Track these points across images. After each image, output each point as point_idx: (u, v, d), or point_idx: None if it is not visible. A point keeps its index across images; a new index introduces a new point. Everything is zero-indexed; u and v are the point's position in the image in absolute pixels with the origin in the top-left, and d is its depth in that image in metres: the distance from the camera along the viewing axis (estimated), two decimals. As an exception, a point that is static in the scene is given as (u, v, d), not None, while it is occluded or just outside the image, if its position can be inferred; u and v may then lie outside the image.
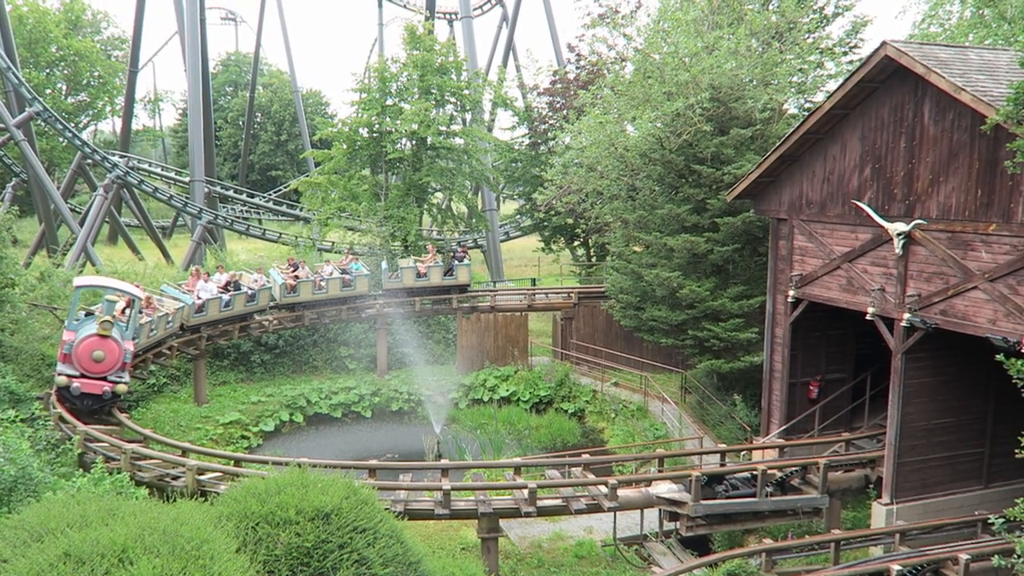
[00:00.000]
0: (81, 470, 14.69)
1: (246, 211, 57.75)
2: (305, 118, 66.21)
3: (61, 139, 50.30)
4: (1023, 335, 12.11)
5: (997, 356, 10.69)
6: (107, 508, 7.98)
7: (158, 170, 61.95)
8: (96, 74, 62.51)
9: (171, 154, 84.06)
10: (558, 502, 15.24)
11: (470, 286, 30.47)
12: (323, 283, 27.56)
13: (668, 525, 16.67)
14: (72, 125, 50.39)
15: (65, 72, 61.21)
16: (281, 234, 45.31)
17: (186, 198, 45.09)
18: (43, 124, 45.08)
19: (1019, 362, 10.31)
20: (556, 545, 17.13)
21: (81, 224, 42.32)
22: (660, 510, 16.18)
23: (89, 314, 18.93)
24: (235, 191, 60.49)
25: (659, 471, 16.55)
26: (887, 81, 14.85)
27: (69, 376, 17.63)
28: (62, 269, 31.16)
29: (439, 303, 29.90)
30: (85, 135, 65.20)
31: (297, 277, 27.35)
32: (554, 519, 17.24)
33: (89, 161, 48.18)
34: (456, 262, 30.20)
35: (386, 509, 9.83)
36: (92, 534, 7.08)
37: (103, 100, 65.05)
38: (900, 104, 14.68)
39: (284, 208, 59.25)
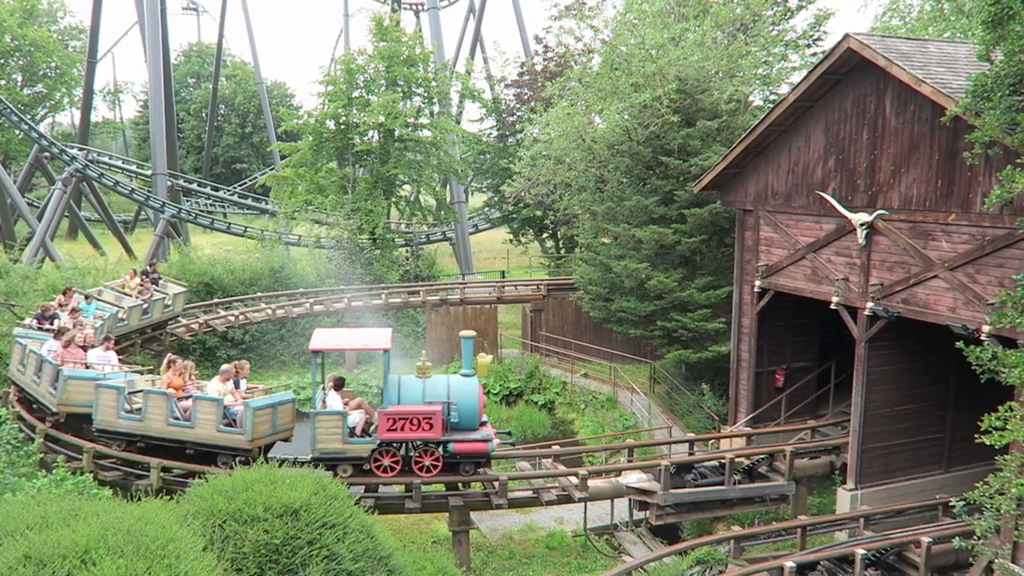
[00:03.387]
0: (43, 471, 14.36)
1: (210, 205, 56.84)
2: (270, 110, 65.32)
3: (17, 131, 48.97)
4: (982, 322, 12.38)
5: (957, 343, 10.92)
6: (69, 508, 7.80)
7: (119, 163, 60.62)
8: (53, 65, 60.91)
9: (132, 147, 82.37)
10: (529, 493, 15.28)
11: (178, 317, 25.48)
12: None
13: (638, 514, 16.81)
14: (28, 117, 49.13)
15: (20, 63, 59.54)
16: (247, 228, 44.70)
17: (148, 192, 44.26)
18: (-2, 116, 43.85)
19: (978, 349, 10.53)
20: (527, 536, 17.18)
21: (39, 219, 41.33)
22: (630, 500, 16.30)
23: None
24: (199, 184, 59.51)
25: (629, 461, 16.68)
26: (850, 73, 15.04)
27: None
28: (20, 265, 30.39)
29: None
30: (42, 127, 63.55)
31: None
32: (525, 511, 17.28)
33: (47, 154, 47.04)
34: (155, 289, 24.10)
35: (356, 504, 9.76)
36: (53, 535, 6.91)
37: (61, 91, 63.41)
38: (863, 96, 14.89)
39: (249, 202, 58.45)
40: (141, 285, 23.64)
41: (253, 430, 13.68)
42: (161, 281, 24.96)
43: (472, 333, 14.71)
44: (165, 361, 15.12)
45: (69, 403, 15.06)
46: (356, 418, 14.09)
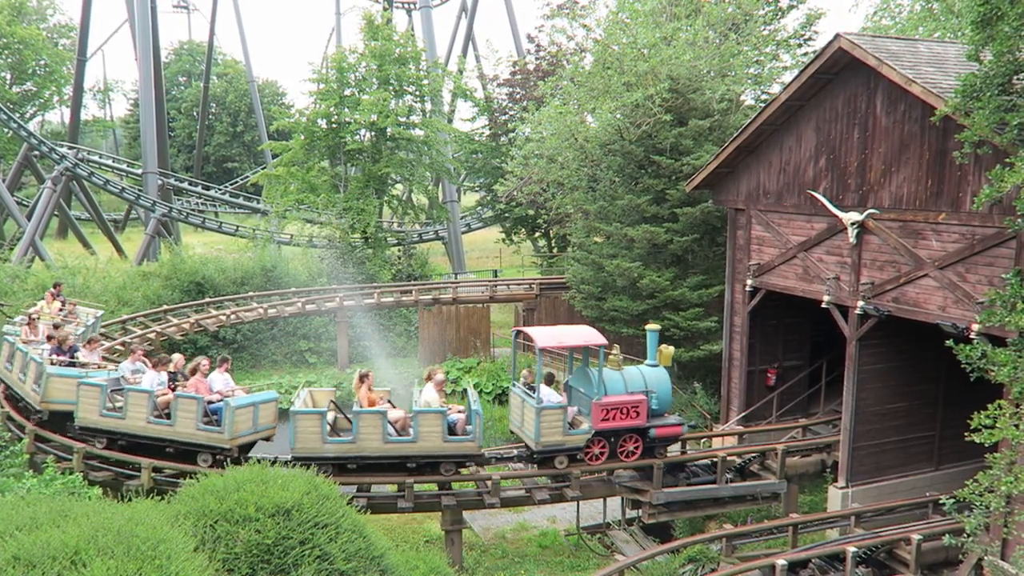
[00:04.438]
0: (32, 471, 14.27)
1: (201, 204, 56.63)
2: (261, 109, 65.13)
3: (6, 130, 48.65)
4: (972, 321, 12.44)
5: (947, 342, 10.99)
6: (58, 509, 7.75)
7: (109, 162, 60.34)
8: (42, 63, 60.59)
9: (123, 145, 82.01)
10: (521, 492, 15.28)
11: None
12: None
13: (631, 513, 16.85)
14: (17, 115, 48.81)
15: (9, 61, 59.18)
16: (238, 227, 44.56)
17: (139, 190, 44.07)
18: (-14, 114, 43.54)
19: (968, 347, 10.60)
20: (520, 535, 17.18)
21: (29, 218, 41.08)
22: (623, 498, 16.33)
23: None
24: (190, 183, 59.27)
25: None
26: (841, 73, 15.09)
27: None
28: (9, 264, 30.23)
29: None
30: (31, 125, 63.19)
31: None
32: (517, 509, 17.28)
33: (36, 153, 46.77)
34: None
35: (348, 503, 9.74)
36: (43, 536, 6.86)
37: (50, 90, 63.10)
38: (853, 95, 14.94)
39: (241, 200, 58.25)
40: (62, 309, 19.69)
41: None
42: (68, 305, 20.21)
43: (657, 327, 15.55)
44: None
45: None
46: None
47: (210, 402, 13.97)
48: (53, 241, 50.27)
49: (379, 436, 13.74)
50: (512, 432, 15.55)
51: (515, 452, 15.56)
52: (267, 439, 14.60)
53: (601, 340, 14.58)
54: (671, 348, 15.44)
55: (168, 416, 13.93)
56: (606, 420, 14.35)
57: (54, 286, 21.37)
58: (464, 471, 14.74)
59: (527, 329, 15.87)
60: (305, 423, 13.71)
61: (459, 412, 14.36)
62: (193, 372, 14.52)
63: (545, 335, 15.19)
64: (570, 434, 14.29)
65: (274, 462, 14.08)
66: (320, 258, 33.30)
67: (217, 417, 13.90)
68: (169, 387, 14.40)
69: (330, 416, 14.03)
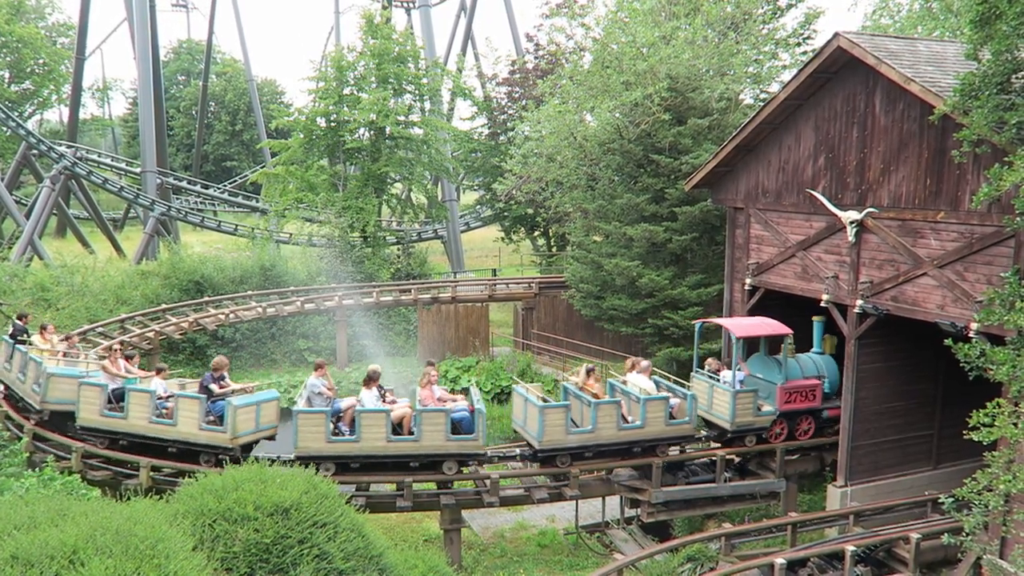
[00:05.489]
0: (30, 470, 14.25)
1: (200, 202, 56.61)
2: (260, 108, 65.07)
3: (5, 128, 48.60)
4: (970, 320, 12.44)
5: (946, 341, 10.98)
6: (57, 508, 7.74)
7: (108, 160, 60.30)
8: (41, 61, 60.52)
9: (121, 144, 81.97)
10: (520, 491, 15.28)
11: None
12: None
13: (629, 512, 16.85)
14: (16, 114, 48.76)
15: (8, 59, 59.12)
16: (237, 226, 44.52)
17: (138, 189, 44.04)
18: (-15, 113, 43.48)
19: (966, 346, 10.60)
20: (519, 534, 17.18)
21: (27, 216, 41.06)
22: (621, 497, 16.33)
23: None
24: (189, 182, 59.24)
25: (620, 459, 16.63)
26: (840, 72, 15.08)
27: None
28: (8, 263, 30.19)
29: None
30: (30, 124, 63.14)
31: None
32: (516, 508, 17.28)
33: (35, 151, 46.74)
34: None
35: (347, 502, 9.73)
36: (41, 535, 6.85)
37: (49, 88, 63.03)
38: (852, 94, 14.94)
39: (240, 199, 58.21)
40: (67, 343, 17.25)
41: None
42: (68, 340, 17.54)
43: (822, 317, 16.62)
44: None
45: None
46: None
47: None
48: (52, 240, 50.23)
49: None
50: (701, 418, 16.19)
51: (517, 451, 15.67)
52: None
53: (786, 330, 15.86)
54: (834, 337, 16.70)
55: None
56: (788, 402, 15.81)
57: (24, 319, 17.88)
58: (465, 470, 14.76)
59: (720, 321, 17.46)
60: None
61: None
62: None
63: (739, 326, 16.45)
64: (759, 415, 15.60)
65: (274, 461, 14.18)
66: (319, 257, 33.27)
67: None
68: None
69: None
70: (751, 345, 16.84)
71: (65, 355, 16.39)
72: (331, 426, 13.82)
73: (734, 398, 15.31)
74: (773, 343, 16.54)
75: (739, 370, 15.95)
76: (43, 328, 17.46)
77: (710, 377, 16.10)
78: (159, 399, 14.22)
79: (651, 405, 14.65)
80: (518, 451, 15.70)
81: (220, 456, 13.72)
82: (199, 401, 13.75)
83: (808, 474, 17.09)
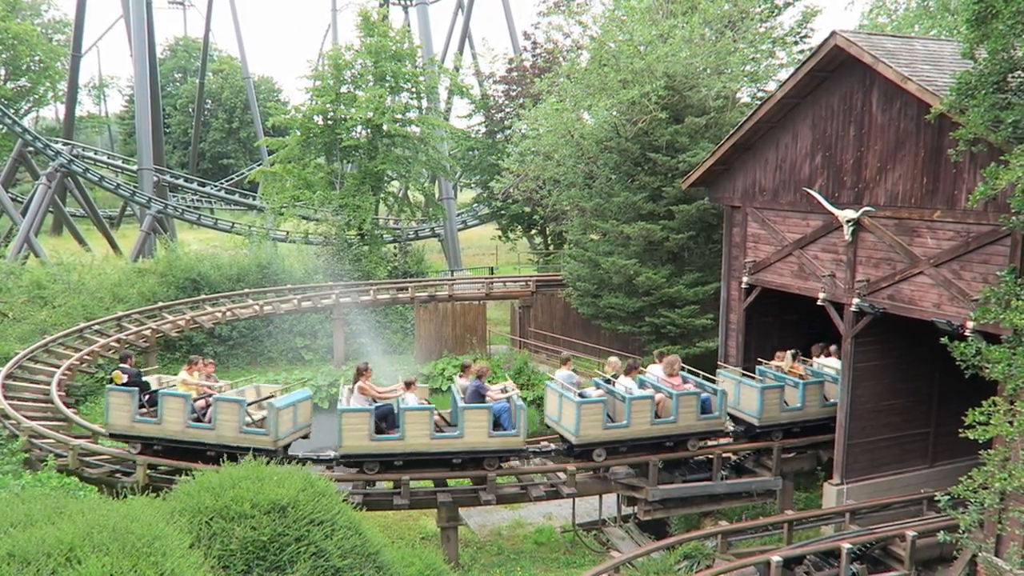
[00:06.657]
0: (27, 468, 14.25)
1: (197, 200, 56.50)
2: (257, 105, 64.94)
3: (1, 125, 48.46)
4: (966, 318, 12.46)
5: (942, 339, 11.01)
6: (53, 506, 7.74)
7: (104, 158, 60.15)
8: (37, 58, 60.35)
9: (118, 142, 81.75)
10: (517, 489, 15.29)
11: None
12: None
13: (626, 510, 16.87)
14: (12, 111, 48.61)
15: (3, 56, 58.95)
16: (234, 224, 44.45)
17: (134, 187, 43.94)
18: (-19, 110, 43.34)
19: (963, 345, 10.62)
20: (516, 532, 17.20)
21: (23, 214, 40.97)
22: (618, 495, 16.34)
23: None
24: (185, 180, 59.13)
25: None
26: (837, 70, 15.10)
27: None
28: (3, 260, 30.13)
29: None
30: (26, 122, 62.95)
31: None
32: (513, 506, 17.30)
33: (31, 149, 46.63)
34: None
35: (344, 500, 9.74)
36: (38, 533, 6.85)
37: (45, 86, 62.87)
38: (849, 93, 14.95)
39: (237, 197, 58.13)
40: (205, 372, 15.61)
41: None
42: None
43: None
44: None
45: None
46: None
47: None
48: (48, 238, 50.12)
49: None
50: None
51: (552, 447, 15.84)
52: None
53: None
54: None
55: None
56: None
57: (127, 360, 15.38)
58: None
59: None
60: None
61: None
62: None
63: None
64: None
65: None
66: (316, 255, 33.22)
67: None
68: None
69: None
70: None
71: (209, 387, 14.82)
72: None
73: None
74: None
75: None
76: (192, 363, 15.13)
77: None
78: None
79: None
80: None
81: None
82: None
83: (804, 472, 17.13)
